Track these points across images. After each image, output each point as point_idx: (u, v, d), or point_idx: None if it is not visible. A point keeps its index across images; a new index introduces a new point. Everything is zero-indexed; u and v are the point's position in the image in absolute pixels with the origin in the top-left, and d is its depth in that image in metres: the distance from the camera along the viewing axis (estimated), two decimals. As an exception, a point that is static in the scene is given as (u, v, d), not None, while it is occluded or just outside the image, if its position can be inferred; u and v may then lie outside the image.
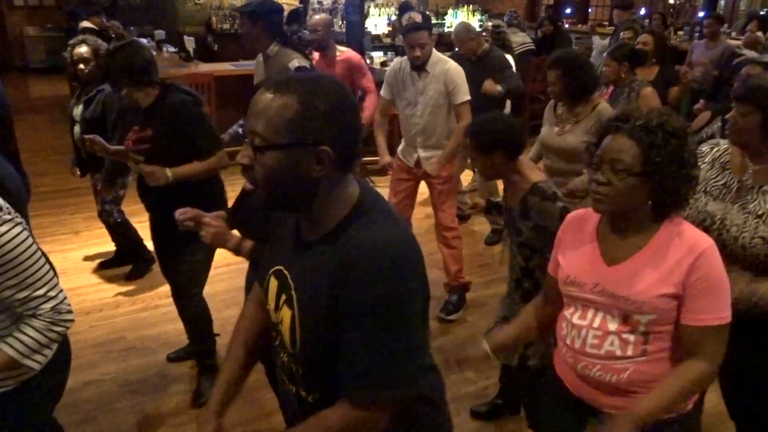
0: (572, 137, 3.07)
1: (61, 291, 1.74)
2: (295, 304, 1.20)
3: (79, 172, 3.97)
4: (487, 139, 2.29)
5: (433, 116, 3.60)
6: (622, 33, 5.17)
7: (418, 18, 6.33)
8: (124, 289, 3.96)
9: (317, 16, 4.55)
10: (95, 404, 2.91)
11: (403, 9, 9.66)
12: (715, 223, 1.92)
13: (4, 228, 1.59)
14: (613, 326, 1.55)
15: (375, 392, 1.15)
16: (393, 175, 3.90)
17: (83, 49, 3.64)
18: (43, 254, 1.73)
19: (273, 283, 1.28)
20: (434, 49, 3.58)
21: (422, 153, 3.69)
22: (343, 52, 4.48)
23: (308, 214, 1.20)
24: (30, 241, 1.66)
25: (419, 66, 3.53)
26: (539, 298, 1.89)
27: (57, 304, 1.70)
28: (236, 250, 2.05)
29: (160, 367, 3.19)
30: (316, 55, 4.44)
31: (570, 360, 1.63)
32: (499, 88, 4.42)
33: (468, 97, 3.56)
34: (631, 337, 1.53)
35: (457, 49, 4.66)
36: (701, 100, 4.99)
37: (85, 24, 6.64)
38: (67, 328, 1.75)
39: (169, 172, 2.55)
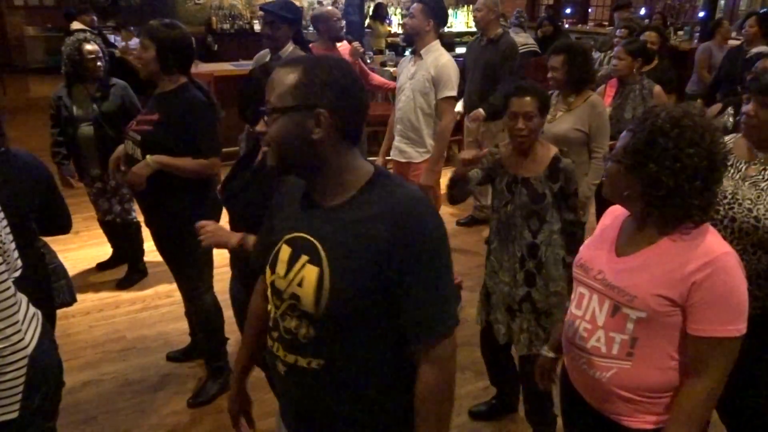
0: (562, 124, 3.13)
1: (13, 325, 1.45)
2: (325, 261, 1.24)
3: (76, 180, 3.77)
4: (545, 100, 2.30)
5: (414, 104, 3.54)
6: (618, 31, 5.15)
7: None
8: (124, 289, 3.97)
9: (330, 7, 4.68)
10: (95, 404, 2.91)
11: (377, 11, 9.79)
12: (726, 197, 1.91)
13: None
14: (601, 320, 1.52)
15: (450, 325, 1.27)
16: None
17: (94, 47, 3.59)
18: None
19: (285, 251, 1.31)
20: (437, 42, 3.54)
21: (396, 142, 3.63)
22: (342, 44, 4.65)
23: (324, 182, 1.29)
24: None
25: (415, 50, 3.52)
26: None
27: None
28: (240, 246, 1.95)
29: (160, 367, 3.19)
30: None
31: (566, 350, 1.64)
32: (481, 111, 4.35)
33: (453, 93, 3.48)
34: (617, 337, 1.49)
35: (476, 16, 4.57)
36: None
37: (76, 25, 6.55)
38: (9, 371, 1.44)
39: (148, 159, 2.52)
